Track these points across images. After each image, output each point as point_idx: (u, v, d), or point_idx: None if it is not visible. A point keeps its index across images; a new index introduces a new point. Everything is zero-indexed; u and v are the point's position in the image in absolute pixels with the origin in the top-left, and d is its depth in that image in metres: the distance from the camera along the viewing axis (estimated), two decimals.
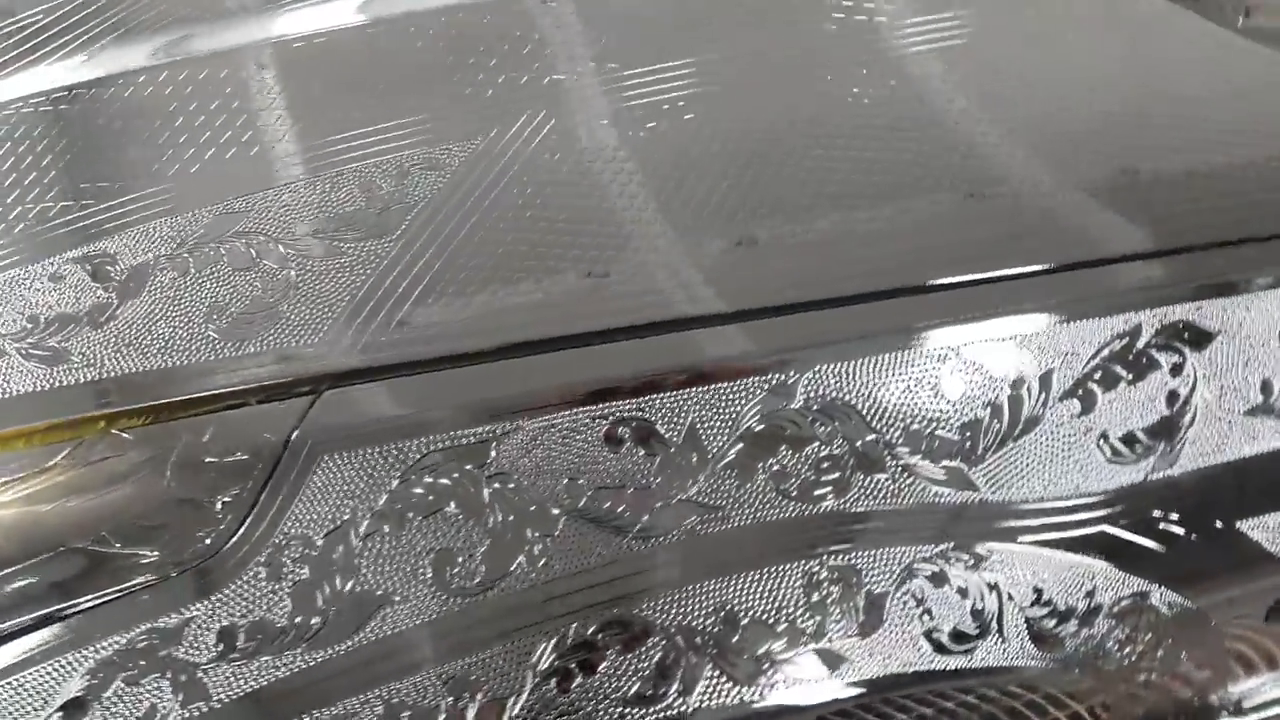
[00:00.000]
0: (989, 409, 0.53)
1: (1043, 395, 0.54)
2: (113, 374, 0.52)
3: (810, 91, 0.68)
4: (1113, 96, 0.65)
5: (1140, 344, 0.54)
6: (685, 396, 0.49)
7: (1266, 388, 0.57)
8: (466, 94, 0.68)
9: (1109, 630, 0.63)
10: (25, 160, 0.64)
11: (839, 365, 0.51)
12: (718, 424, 0.50)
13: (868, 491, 0.52)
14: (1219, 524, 0.61)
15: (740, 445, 0.49)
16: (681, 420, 0.49)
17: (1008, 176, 0.62)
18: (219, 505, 0.48)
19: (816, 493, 0.51)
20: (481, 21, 0.74)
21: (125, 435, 0.50)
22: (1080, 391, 0.54)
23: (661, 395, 0.49)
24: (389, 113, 0.66)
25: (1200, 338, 0.55)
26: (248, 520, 0.48)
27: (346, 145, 0.64)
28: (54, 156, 0.65)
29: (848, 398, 0.51)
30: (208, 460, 0.49)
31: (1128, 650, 0.68)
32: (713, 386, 0.50)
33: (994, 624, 0.56)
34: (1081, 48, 0.70)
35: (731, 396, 0.50)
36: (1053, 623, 0.58)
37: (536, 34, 0.72)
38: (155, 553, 0.47)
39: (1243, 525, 0.61)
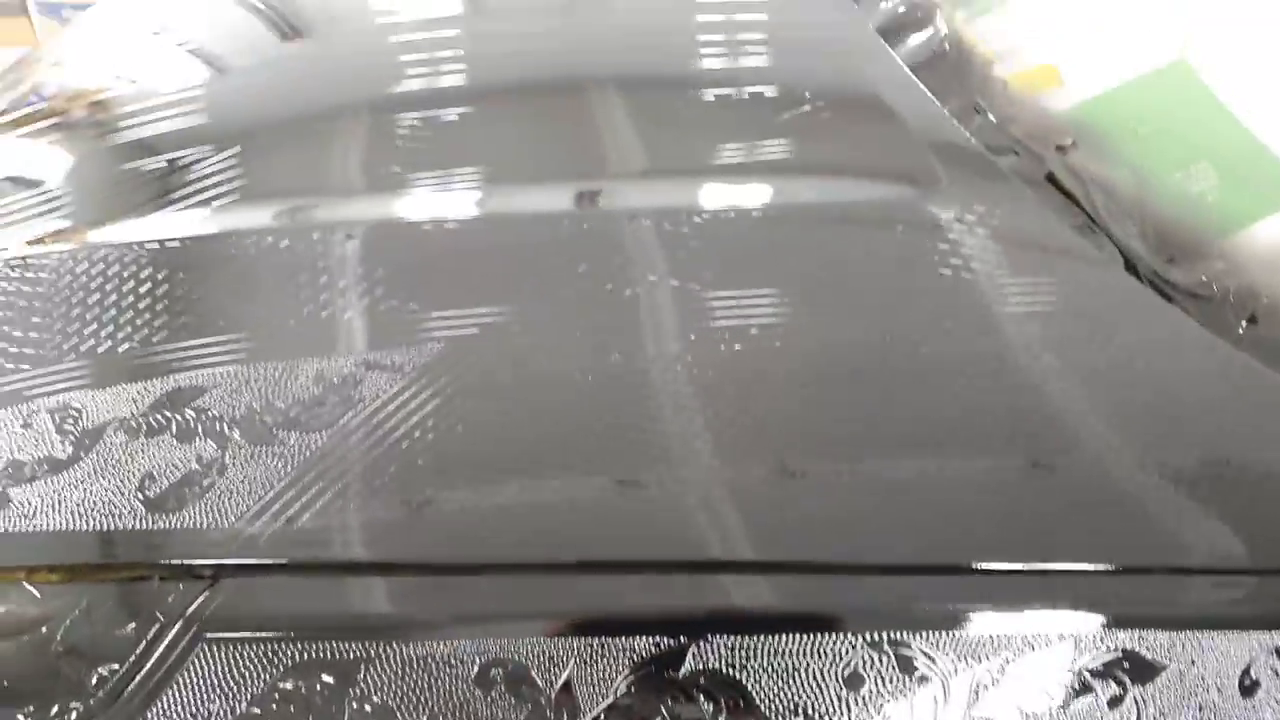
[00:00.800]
0: None
1: (964, 711, 0.52)
2: (46, 526, 0.55)
3: (889, 329, 0.68)
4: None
5: (1075, 666, 0.52)
6: (567, 645, 0.49)
7: None
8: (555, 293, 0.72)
9: None
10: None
11: (738, 639, 0.50)
12: (593, 681, 0.49)
13: None
14: None
15: (612, 708, 0.49)
16: (557, 670, 0.49)
17: (1078, 446, 0.61)
18: (95, 679, 0.50)
19: None
20: (579, 229, 0.79)
21: (34, 590, 0.53)
22: (1003, 713, 0.52)
23: (546, 640, 0.50)
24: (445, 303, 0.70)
25: (1144, 673, 0.53)
26: (119, 698, 0.50)
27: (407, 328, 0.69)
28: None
29: (736, 674, 0.50)
30: (99, 629, 0.51)
31: None
32: (601, 639, 0.50)
33: None
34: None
35: (614, 653, 0.49)
36: None
37: (620, 247, 0.76)
38: (20, 717, 0.49)
39: None
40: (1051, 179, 0.79)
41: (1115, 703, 0.52)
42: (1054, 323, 0.65)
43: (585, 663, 0.49)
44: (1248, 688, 0.52)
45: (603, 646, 0.49)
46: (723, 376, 0.64)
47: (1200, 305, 0.67)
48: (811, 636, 0.50)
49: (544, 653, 0.49)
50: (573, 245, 0.76)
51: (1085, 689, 0.51)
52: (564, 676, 0.49)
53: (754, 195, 0.80)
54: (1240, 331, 0.66)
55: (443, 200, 0.82)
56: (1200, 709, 0.52)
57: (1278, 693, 0.53)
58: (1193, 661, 0.52)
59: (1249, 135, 0.75)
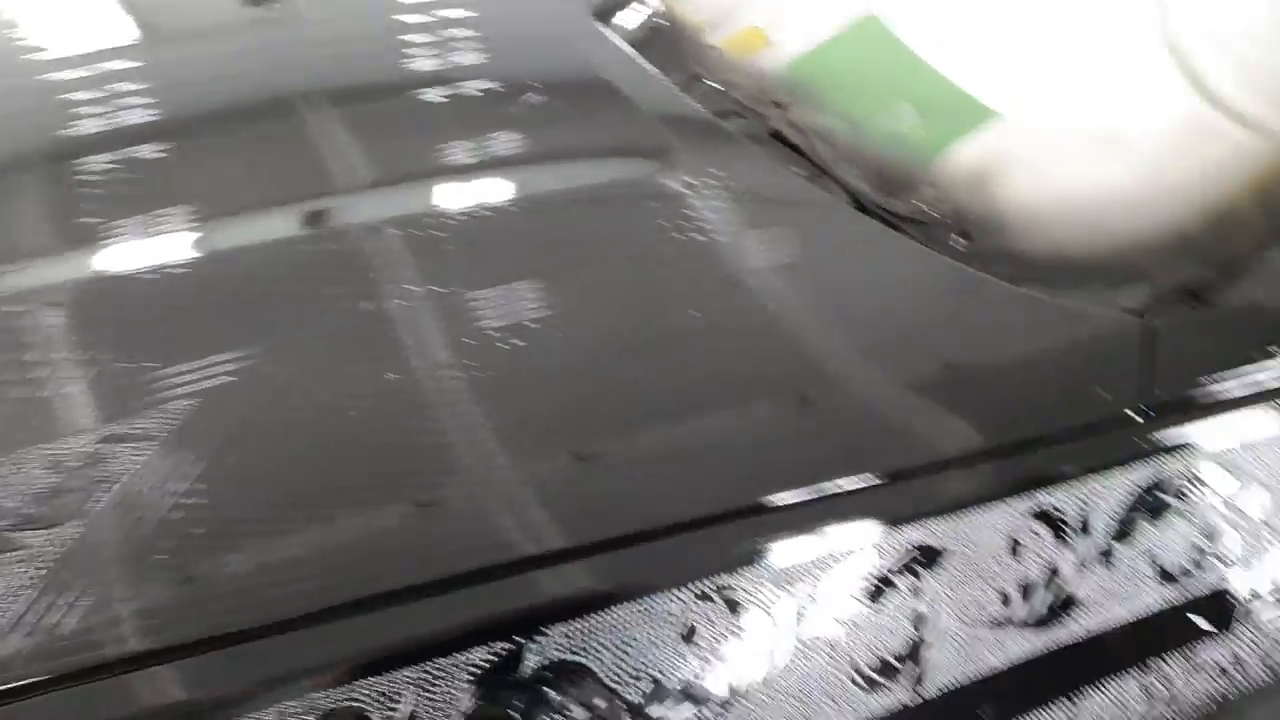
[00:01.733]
0: (741, 653, 0.55)
1: (792, 631, 0.56)
2: None
3: (649, 302, 0.71)
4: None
5: (878, 566, 0.58)
6: (398, 678, 0.49)
7: (1004, 598, 0.62)
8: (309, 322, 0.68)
9: None
10: None
11: (571, 626, 0.52)
12: (439, 703, 0.49)
13: None
14: None
15: None
16: (397, 704, 0.48)
17: (838, 375, 0.67)
18: None
19: None
20: (318, 251, 0.75)
21: None
22: (826, 625, 0.57)
23: (376, 679, 0.49)
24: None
25: (933, 558, 0.60)
26: None
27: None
28: None
29: (578, 659, 0.51)
30: None
31: None
32: (434, 662, 0.49)
33: None
34: None
35: (452, 671, 0.49)
36: None
37: (368, 263, 0.73)
38: None
39: None
40: (776, 135, 0.86)
41: (916, 592, 0.59)
42: (800, 266, 0.71)
43: (425, 689, 0.49)
44: (1015, 549, 0.61)
45: (438, 668, 0.49)
46: (500, 375, 0.65)
47: (922, 229, 0.76)
48: (640, 604, 0.53)
49: (379, 691, 0.48)
50: (316, 269, 0.74)
51: (889, 584, 0.58)
52: (407, 709, 0.48)
53: (495, 190, 0.81)
54: (959, 247, 0.76)
55: (156, 245, 0.77)
56: (984, 577, 0.60)
57: (1037, 549, 0.62)
58: (970, 540, 0.60)
59: (935, 73, 0.86)
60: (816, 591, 0.56)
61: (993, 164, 0.81)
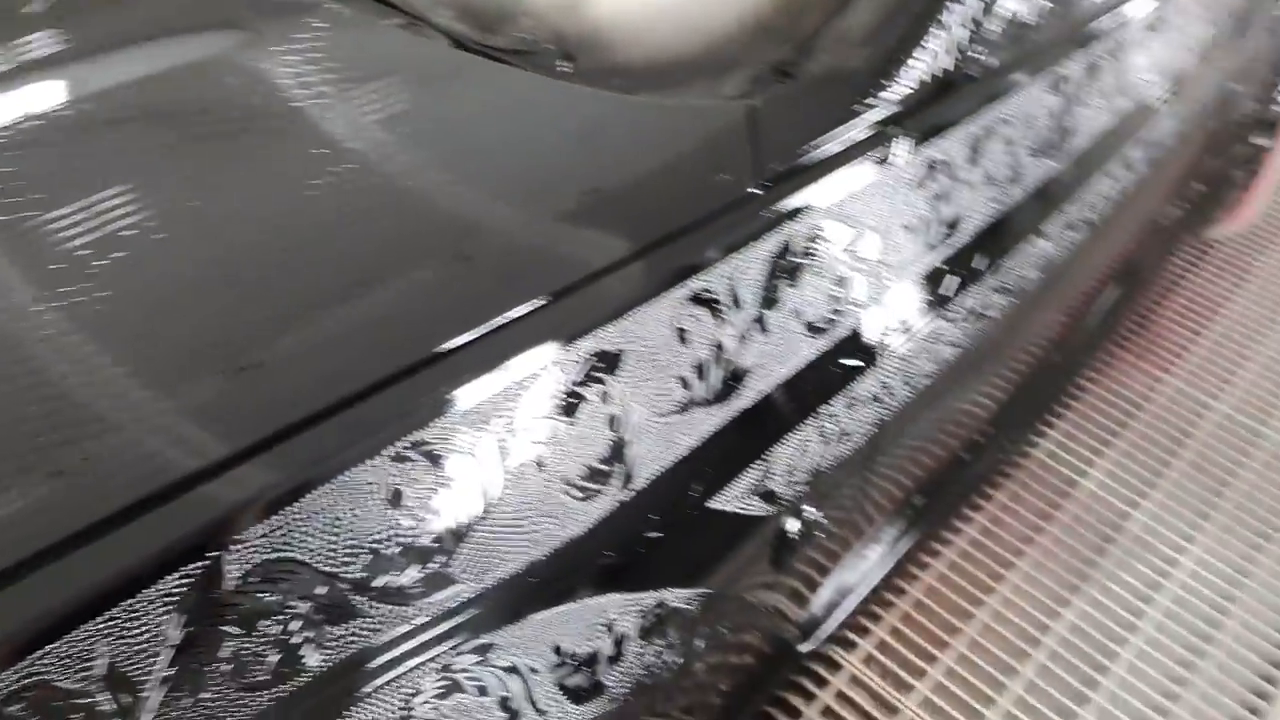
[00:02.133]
0: (452, 500, 0.55)
1: (499, 465, 0.57)
2: None
3: (261, 183, 0.64)
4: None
5: (564, 384, 0.60)
6: (87, 634, 0.44)
7: (684, 382, 0.67)
8: None
9: (648, 648, 0.70)
10: None
11: (266, 525, 0.49)
12: (142, 645, 0.45)
13: (349, 635, 0.51)
14: (694, 512, 0.70)
15: (174, 663, 0.46)
16: (91, 663, 0.44)
17: (485, 218, 0.65)
18: None
19: (287, 668, 0.49)
20: None
21: None
22: (529, 450, 0.59)
23: (61, 644, 0.44)
24: None
25: (614, 362, 0.63)
26: None
27: None
28: None
29: (285, 553, 0.50)
30: None
31: (676, 655, 0.76)
32: (123, 605, 0.45)
33: (526, 704, 0.58)
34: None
35: (149, 608, 0.46)
36: (585, 674, 0.63)
37: None
38: None
39: (713, 503, 0.72)
40: None
41: (605, 397, 0.62)
42: (417, 115, 0.69)
43: (120, 636, 0.45)
44: (683, 336, 0.66)
45: (127, 611, 0.45)
46: (116, 299, 0.58)
47: (528, 59, 0.77)
48: (333, 484, 0.51)
49: (63, 656, 0.44)
50: None
51: (578, 397, 0.60)
52: (104, 663, 0.44)
53: (44, 94, 0.70)
54: (566, 69, 0.77)
55: None
56: (662, 368, 0.65)
57: (701, 331, 0.67)
58: (640, 337, 0.63)
59: None
60: (512, 422, 0.58)
61: None
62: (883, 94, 0.79)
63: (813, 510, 0.83)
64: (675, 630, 0.72)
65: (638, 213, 0.69)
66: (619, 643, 0.65)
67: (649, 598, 0.66)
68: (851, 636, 1.44)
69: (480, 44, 0.77)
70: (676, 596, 0.70)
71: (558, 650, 0.60)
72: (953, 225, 0.87)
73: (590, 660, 0.62)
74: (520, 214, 0.67)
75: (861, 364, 0.81)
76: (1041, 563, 1.59)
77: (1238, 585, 1.59)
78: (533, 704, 0.58)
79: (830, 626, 1.19)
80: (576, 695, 0.62)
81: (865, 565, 1.22)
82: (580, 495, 0.61)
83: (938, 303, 0.87)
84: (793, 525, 0.81)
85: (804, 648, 1.16)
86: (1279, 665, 1.48)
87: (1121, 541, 1.64)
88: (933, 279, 0.86)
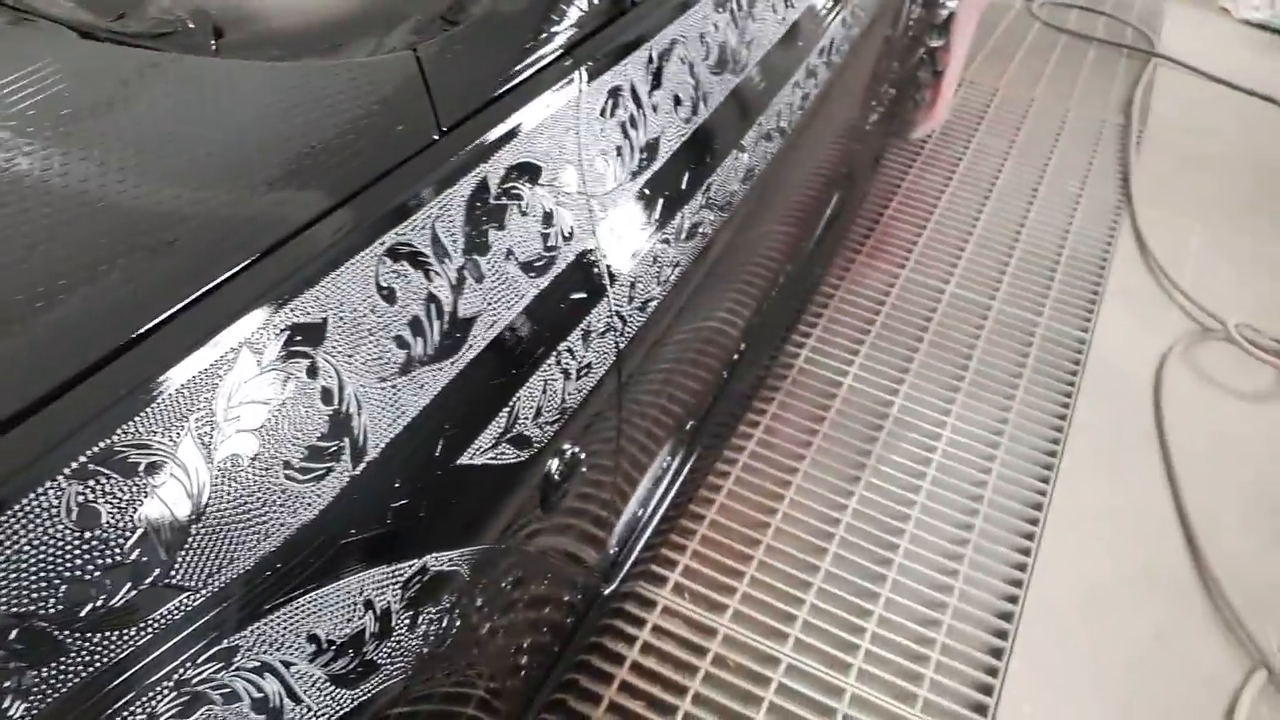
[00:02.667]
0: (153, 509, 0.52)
1: (206, 463, 0.54)
2: None
3: None
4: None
5: (262, 364, 0.57)
6: None
7: (401, 342, 0.66)
8: None
9: (423, 618, 0.69)
10: None
11: None
12: None
13: (59, 675, 0.47)
14: (443, 472, 0.69)
15: None
16: None
17: (152, 210, 0.59)
18: None
19: None
20: None
21: None
22: (239, 442, 0.56)
23: None
24: None
25: (315, 333, 0.60)
26: None
27: None
28: None
29: None
30: None
31: (461, 619, 0.75)
32: None
33: (288, 700, 0.56)
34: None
35: None
36: (352, 657, 0.61)
37: None
38: None
39: (463, 460, 0.71)
40: None
41: (312, 372, 0.60)
42: (71, 116, 0.63)
43: None
44: (388, 293, 0.64)
45: None
46: None
47: (171, 40, 0.72)
48: (8, 516, 0.46)
49: None
50: None
51: (287, 374, 0.58)
52: None
53: None
54: (215, 45, 0.73)
55: None
56: (373, 332, 0.63)
57: (406, 287, 0.66)
58: (339, 303, 0.61)
59: None
60: (211, 413, 0.55)
61: None
62: (553, 28, 0.80)
63: (572, 447, 0.85)
64: (454, 594, 0.71)
65: (322, 179, 0.66)
66: (384, 618, 0.63)
67: (408, 567, 0.65)
68: (658, 570, 1.48)
69: (110, 31, 0.72)
70: (442, 560, 0.69)
71: (314, 639, 0.58)
72: (650, 149, 0.90)
73: (354, 642, 0.61)
74: (185, 194, 0.63)
75: (588, 296, 0.82)
76: (820, 461, 1.69)
77: (993, 445, 1.76)
78: (295, 698, 0.56)
79: (629, 564, 1.22)
80: (346, 680, 0.60)
81: (652, 498, 1.26)
82: (305, 477, 0.58)
83: (652, 226, 0.90)
84: (554, 465, 0.82)
85: (608, 590, 1.18)
86: (1039, 507, 1.65)
87: (889, 426, 1.77)
88: (642, 203, 0.89)
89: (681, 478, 1.34)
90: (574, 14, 0.83)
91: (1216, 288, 2.15)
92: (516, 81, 0.77)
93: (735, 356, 1.45)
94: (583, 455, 0.87)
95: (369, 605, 0.62)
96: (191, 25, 0.74)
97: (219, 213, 0.62)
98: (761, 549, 1.54)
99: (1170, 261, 2.21)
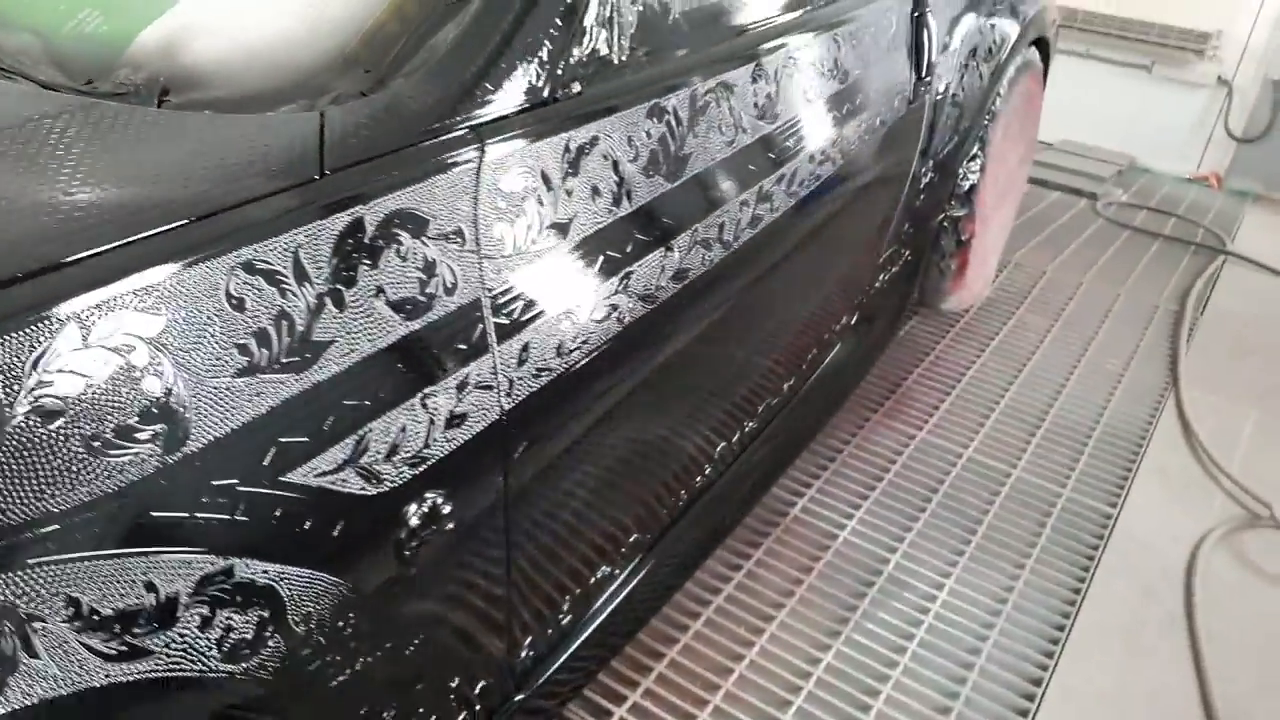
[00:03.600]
0: None
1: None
2: None
3: None
4: None
5: (87, 340, 0.63)
6: None
7: (244, 349, 0.71)
8: None
9: (208, 623, 0.70)
10: None
11: None
12: None
13: None
14: (268, 481, 0.72)
15: None
16: None
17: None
18: None
19: None
20: None
21: None
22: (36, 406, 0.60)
23: None
24: None
25: (149, 323, 0.66)
26: None
27: None
28: None
29: None
30: None
31: (272, 643, 0.75)
32: None
33: (15, 650, 0.57)
34: None
35: None
36: (110, 632, 0.62)
37: None
38: None
39: (297, 475, 0.74)
40: None
41: (136, 356, 0.65)
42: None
43: None
44: (240, 305, 0.70)
45: None
46: None
47: (129, 99, 0.84)
48: None
49: None
50: None
51: (110, 352, 0.63)
52: None
53: None
54: (161, 103, 0.85)
55: None
56: (209, 333, 0.69)
57: (260, 301, 0.72)
58: (184, 301, 0.67)
59: None
60: (22, 374, 0.60)
61: (179, 37, 0.91)
62: (461, 108, 0.89)
63: (436, 497, 0.86)
64: (268, 612, 0.72)
65: (195, 197, 0.73)
66: (166, 606, 0.64)
67: (208, 563, 0.67)
68: (598, 699, 1.43)
69: (79, 91, 0.84)
70: (255, 569, 0.71)
71: (73, 602, 0.59)
72: (560, 228, 0.96)
73: (123, 619, 0.62)
74: (80, 199, 0.71)
75: (467, 349, 0.86)
76: (801, 611, 1.63)
77: (994, 612, 1.67)
78: (32, 652, 0.57)
79: (549, 673, 1.19)
80: (105, 654, 0.61)
81: (587, 605, 1.24)
82: (108, 451, 0.62)
83: (553, 298, 0.95)
84: (413, 512, 0.84)
85: (519, 697, 1.15)
86: (1038, 683, 1.55)
87: (880, 584, 1.71)
88: (544, 275, 0.94)
89: (627, 595, 1.32)
90: (486, 99, 0.92)
91: (1267, 474, 2.05)
92: (410, 144, 0.85)
93: (699, 481, 1.45)
94: (451, 511, 0.88)
95: (151, 587, 0.64)
96: (143, 89, 0.86)
97: (71, 214, 0.70)
98: (720, 695, 1.47)
99: (1217, 445, 2.13)
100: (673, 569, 1.49)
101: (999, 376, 2.35)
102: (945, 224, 2.24)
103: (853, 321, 1.93)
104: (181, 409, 0.67)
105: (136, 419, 0.65)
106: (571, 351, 0.98)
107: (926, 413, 2.19)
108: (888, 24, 1.66)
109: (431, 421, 0.84)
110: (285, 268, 0.74)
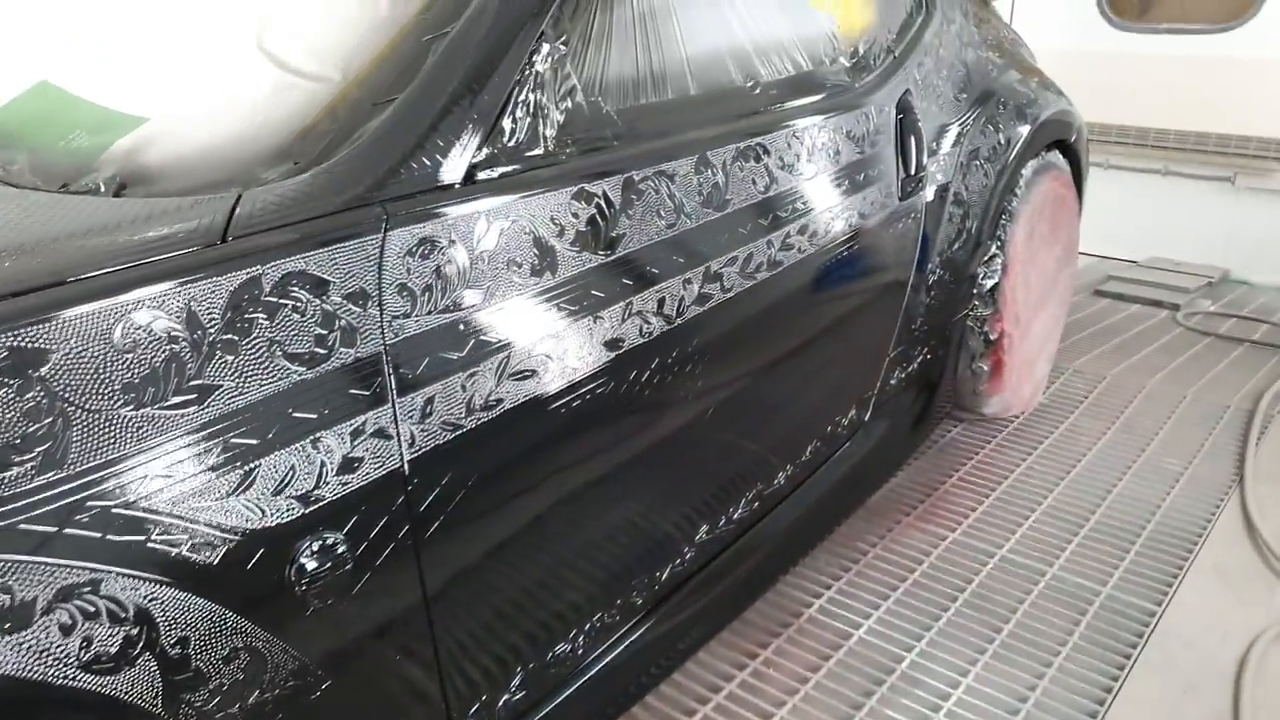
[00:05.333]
0: None
1: None
2: None
3: None
4: None
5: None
6: None
7: (129, 387, 0.80)
8: None
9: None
10: None
11: None
12: None
13: None
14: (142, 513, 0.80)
15: None
16: None
17: None
18: None
19: None
20: None
21: None
22: None
23: None
24: None
25: (37, 357, 0.76)
26: None
27: None
28: None
29: None
30: None
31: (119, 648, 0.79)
32: None
33: None
34: None
35: None
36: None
37: None
38: None
39: (176, 507, 0.81)
40: None
41: (23, 389, 0.75)
42: None
43: None
44: (127, 346, 0.80)
45: None
46: None
47: (92, 195, 0.99)
48: None
49: None
50: None
51: None
52: None
53: None
54: (115, 196, 0.99)
55: None
56: (96, 370, 0.78)
57: (149, 349, 0.82)
58: (73, 341, 0.78)
59: (98, 106, 1.12)
60: None
61: (142, 145, 1.07)
62: (361, 187, 1.00)
63: (333, 537, 0.92)
64: (118, 608, 0.77)
65: (103, 258, 0.85)
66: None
67: (77, 572, 0.74)
68: None
69: (53, 191, 1.01)
70: (124, 587, 0.77)
71: None
72: (473, 295, 1.04)
73: None
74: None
75: (364, 397, 0.93)
76: (803, 709, 1.57)
77: (1013, 711, 1.57)
78: None
79: None
80: None
81: (535, 682, 1.24)
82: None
83: (459, 357, 1.02)
84: (306, 550, 0.89)
85: None
86: None
87: (892, 681, 1.63)
88: (450, 336, 1.01)
89: (590, 681, 1.31)
90: (397, 181, 1.02)
91: None
92: (316, 217, 0.95)
93: (679, 565, 1.45)
94: (347, 551, 0.93)
95: (7, 590, 0.72)
96: (103, 186, 1.01)
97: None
98: None
99: None
100: (655, 662, 1.47)
101: (1044, 479, 2.27)
102: (970, 323, 2.23)
103: (865, 418, 1.92)
104: (62, 444, 0.76)
105: (12, 446, 0.74)
106: (478, 408, 1.04)
107: (962, 514, 2.12)
108: (862, 124, 1.73)
109: (322, 465, 0.90)
110: (177, 317, 0.84)
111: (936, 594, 1.85)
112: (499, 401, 1.06)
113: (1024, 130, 2.24)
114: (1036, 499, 2.17)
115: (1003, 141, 2.16)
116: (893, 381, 1.99)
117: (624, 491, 1.32)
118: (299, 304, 0.91)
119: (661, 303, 1.27)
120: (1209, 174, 4.29)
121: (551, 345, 1.12)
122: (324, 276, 0.94)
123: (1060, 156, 2.50)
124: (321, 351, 0.92)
